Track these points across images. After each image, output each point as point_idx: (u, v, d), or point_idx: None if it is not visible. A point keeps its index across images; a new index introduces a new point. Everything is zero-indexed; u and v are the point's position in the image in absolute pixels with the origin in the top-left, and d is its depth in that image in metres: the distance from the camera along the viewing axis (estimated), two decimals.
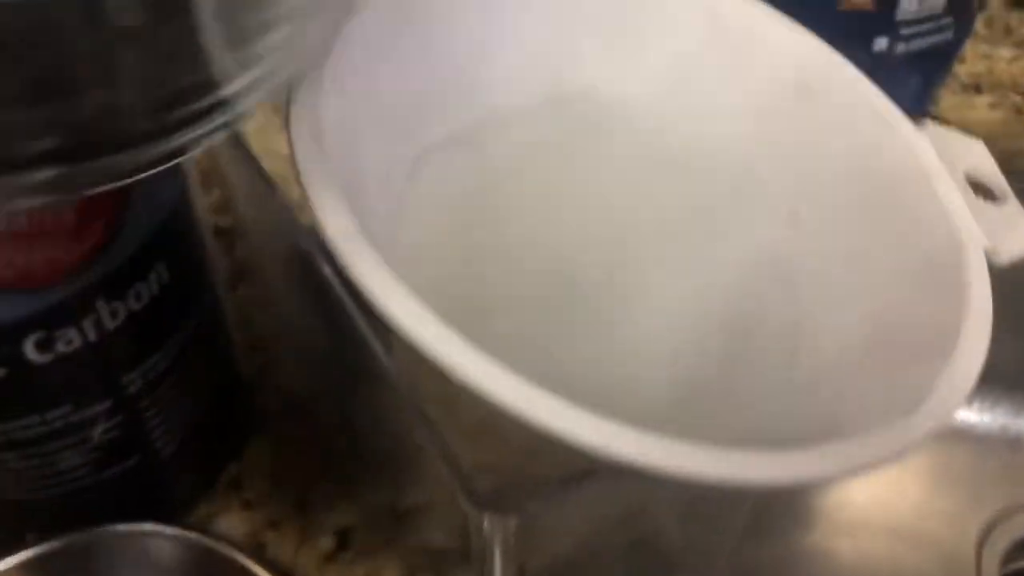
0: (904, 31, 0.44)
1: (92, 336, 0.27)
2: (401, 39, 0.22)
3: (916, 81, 0.48)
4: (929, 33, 0.45)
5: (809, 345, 0.22)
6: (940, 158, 0.23)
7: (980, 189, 0.24)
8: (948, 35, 0.46)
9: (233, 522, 0.34)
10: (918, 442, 0.18)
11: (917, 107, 0.49)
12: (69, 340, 0.27)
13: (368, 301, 0.17)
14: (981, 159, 0.24)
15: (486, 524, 0.19)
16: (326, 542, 0.34)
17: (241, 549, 0.31)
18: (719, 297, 0.25)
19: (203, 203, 0.38)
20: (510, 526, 0.19)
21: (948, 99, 0.51)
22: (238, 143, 0.26)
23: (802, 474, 0.16)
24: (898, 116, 0.24)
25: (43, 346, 0.26)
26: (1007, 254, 0.22)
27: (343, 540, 0.34)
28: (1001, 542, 0.56)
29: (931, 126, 0.24)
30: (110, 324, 0.27)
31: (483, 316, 0.25)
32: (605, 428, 0.16)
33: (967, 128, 0.50)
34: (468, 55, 0.24)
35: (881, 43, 0.45)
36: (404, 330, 0.16)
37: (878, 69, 0.46)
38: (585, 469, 0.19)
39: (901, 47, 0.45)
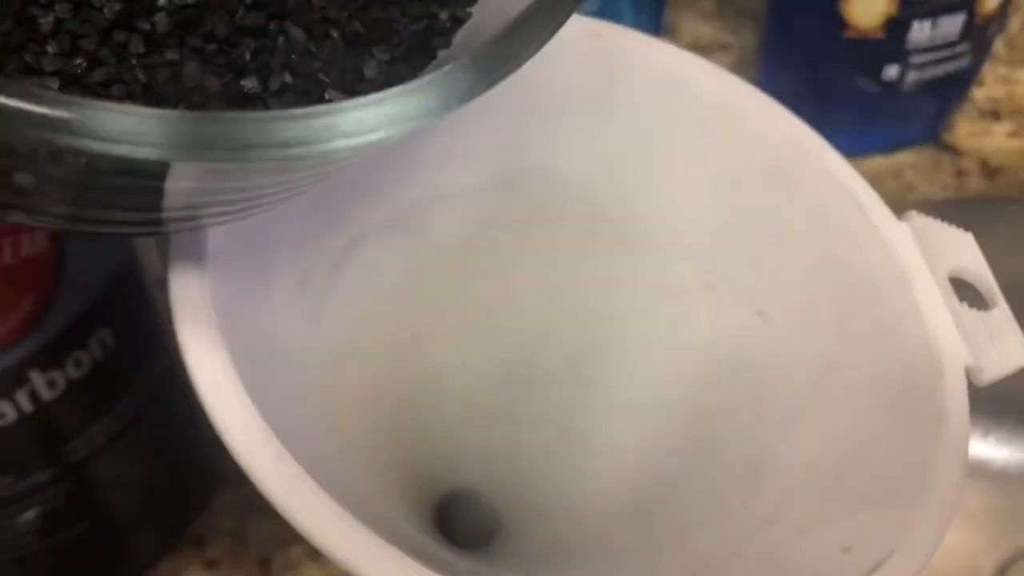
0: (916, 59, 0.42)
1: (28, 407, 0.26)
2: None
3: (930, 109, 0.46)
4: (943, 61, 0.43)
5: (772, 466, 0.20)
6: (924, 254, 0.21)
7: (967, 289, 0.21)
8: (964, 62, 0.43)
9: None
10: None
11: (930, 135, 0.47)
12: (2, 413, 0.25)
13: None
14: (969, 256, 0.22)
15: None
16: None
17: None
18: (682, 396, 0.23)
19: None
20: None
21: (964, 126, 0.48)
22: None
23: None
24: (878, 206, 0.22)
25: None
26: (990, 372, 0.20)
27: None
28: None
29: (915, 217, 0.22)
30: (47, 394, 0.26)
31: (433, 401, 0.23)
32: None
33: (984, 157, 0.47)
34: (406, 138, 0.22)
35: (891, 71, 0.43)
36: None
37: (889, 98, 0.44)
38: None
39: (913, 75, 0.43)
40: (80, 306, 0.25)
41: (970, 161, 0.47)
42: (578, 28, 0.22)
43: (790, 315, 0.22)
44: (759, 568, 0.18)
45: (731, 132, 0.23)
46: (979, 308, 0.21)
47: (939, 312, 0.20)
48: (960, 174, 0.47)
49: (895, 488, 0.17)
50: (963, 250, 0.21)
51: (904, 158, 0.47)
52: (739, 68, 0.50)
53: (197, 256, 0.17)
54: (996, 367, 0.20)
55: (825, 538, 0.18)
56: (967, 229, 0.49)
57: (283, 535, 0.34)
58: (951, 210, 0.49)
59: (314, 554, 0.33)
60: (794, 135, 0.22)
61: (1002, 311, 0.21)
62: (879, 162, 0.47)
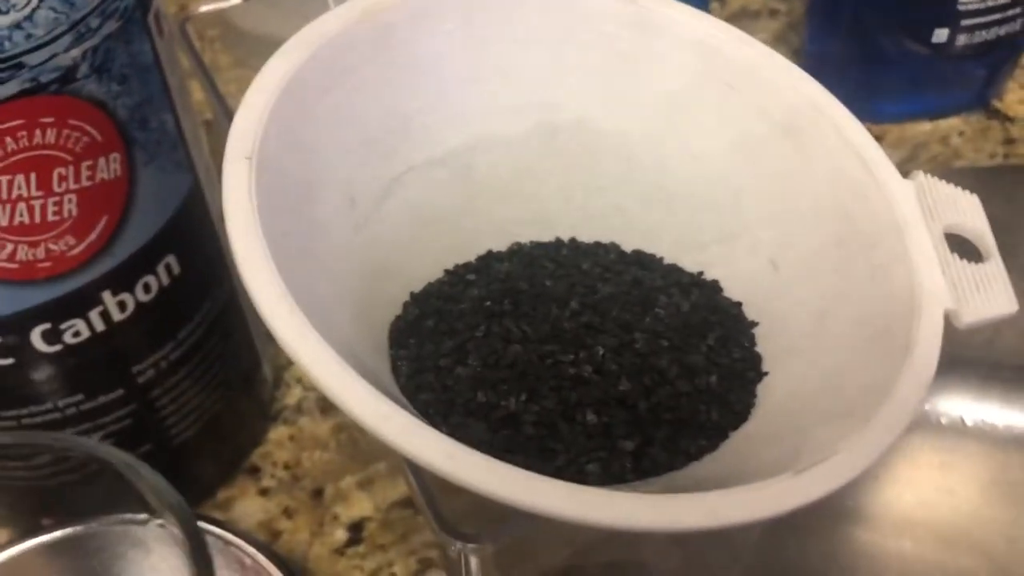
0: (966, 22, 0.42)
1: (100, 327, 0.27)
2: (381, 65, 0.22)
3: (979, 73, 0.46)
4: (995, 24, 0.43)
5: (761, 392, 0.21)
6: (924, 209, 0.22)
7: (965, 245, 0.22)
8: (1016, 25, 0.43)
9: (250, 508, 0.35)
10: (796, 503, 0.17)
11: (979, 100, 0.47)
12: (76, 332, 0.27)
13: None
14: (971, 214, 0.22)
15: (459, 552, 0.18)
16: (340, 534, 0.34)
17: (254, 538, 0.31)
18: None
19: None
20: (487, 552, 0.19)
21: (1015, 92, 0.48)
22: None
23: (675, 521, 0.16)
24: (884, 164, 0.22)
25: (50, 337, 0.26)
26: (970, 316, 0.20)
27: (356, 533, 0.34)
28: None
29: (920, 176, 0.22)
30: (118, 315, 0.27)
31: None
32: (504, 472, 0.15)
33: None
34: (455, 83, 0.23)
35: (941, 34, 0.43)
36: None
37: (937, 62, 0.44)
38: None
39: (963, 38, 0.43)
40: (149, 232, 0.27)
41: (1020, 128, 0.47)
42: None
43: (796, 263, 0.23)
44: (724, 464, 0.19)
45: (753, 92, 0.24)
46: (972, 261, 0.22)
47: (928, 260, 0.21)
48: (1009, 141, 0.47)
49: (857, 406, 0.18)
50: (965, 208, 0.22)
51: (952, 124, 0.47)
52: (787, 33, 0.51)
53: (246, 152, 0.19)
54: (977, 313, 0.20)
55: (785, 446, 0.19)
56: (1015, 196, 0.49)
57: (335, 468, 0.35)
58: (998, 177, 0.49)
59: (364, 487, 0.35)
60: (811, 95, 0.23)
61: (994, 264, 0.21)
62: (925, 127, 0.47)
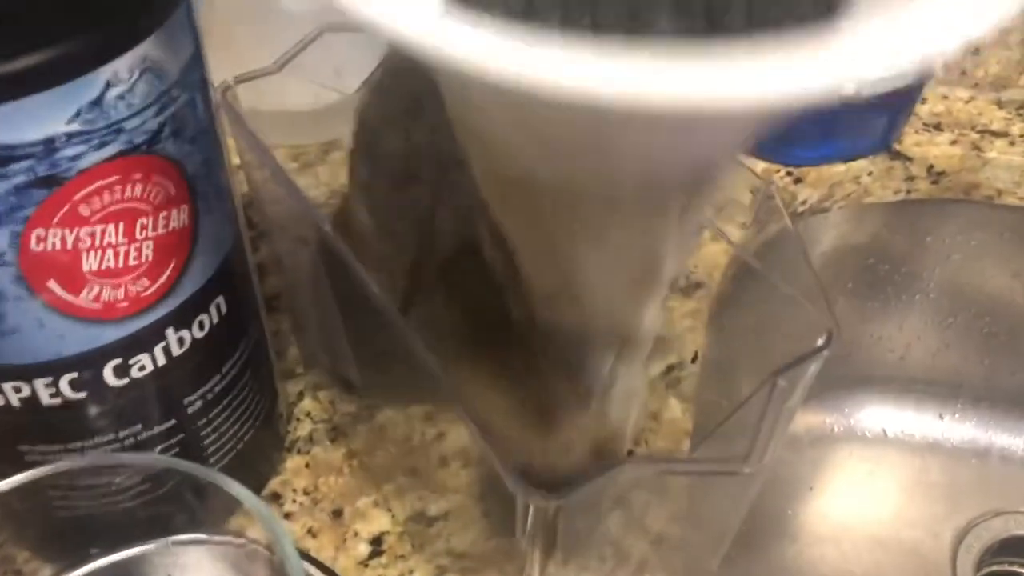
0: None
1: (161, 362, 0.30)
2: None
3: (882, 121, 0.52)
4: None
5: None
6: None
7: None
8: (909, 79, 0.50)
9: None
10: None
11: (883, 144, 0.54)
12: (142, 366, 0.30)
13: None
14: None
15: (532, 506, 0.22)
16: (362, 548, 0.37)
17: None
18: None
19: None
20: (551, 509, 0.23)
21: (912, 136, 0.55)
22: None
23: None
24: None
25: (120, 371, 0.30)
26: None
27: (377, 546, 0.37)
28: (975, 546, 0.60)
29: None
30: (177, 351, 0.31)
31: None
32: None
33: (930, 163, 0.54)
34: None
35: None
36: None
37: (846, 112, 0.51)
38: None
39: (868, 91, 0.50)
40: (206, 275, 0.30)
41: (918, 167, 0.54)
42: None
43: None
44: None
45: None
46: None
47: None
48: (910, 178, 0.54)
49: None
50: None
51: (861, 165, 0.54)
52: None
53: None
54: None
55: None
56: (916, 228, 0.56)
57: (351, 490, 0.39)
58: (903, 210, 0.56)
59: (380, 505, 0.38)
60: None
61: None
62: (840, 169, 0.53)
